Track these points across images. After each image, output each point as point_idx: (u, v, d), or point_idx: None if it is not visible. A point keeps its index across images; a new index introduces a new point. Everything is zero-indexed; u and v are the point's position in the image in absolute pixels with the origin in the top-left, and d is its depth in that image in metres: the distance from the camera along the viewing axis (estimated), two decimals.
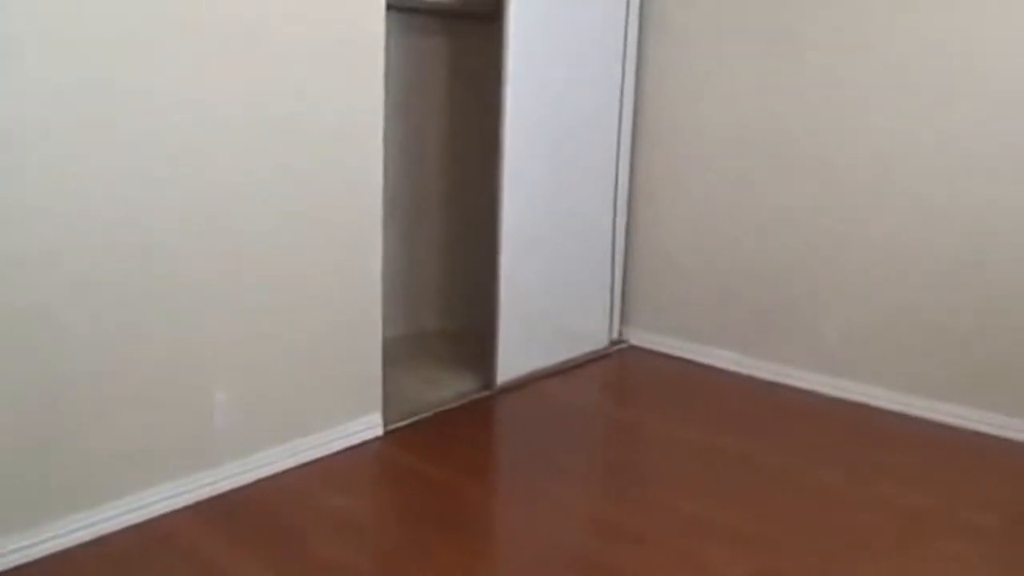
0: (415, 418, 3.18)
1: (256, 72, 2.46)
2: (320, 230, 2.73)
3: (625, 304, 4.27)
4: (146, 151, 2.24)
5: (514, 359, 3.57)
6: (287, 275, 2.65)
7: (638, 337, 4.25)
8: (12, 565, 2.10)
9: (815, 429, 3.21)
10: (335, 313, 2.82)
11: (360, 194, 2.84)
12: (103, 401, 2.24)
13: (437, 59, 4.09)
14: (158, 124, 2.25)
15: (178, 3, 2.25)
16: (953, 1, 3.15)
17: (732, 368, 3.89)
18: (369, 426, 2.99)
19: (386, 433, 3.04)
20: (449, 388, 3.48)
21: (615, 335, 4.23)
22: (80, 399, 2.19)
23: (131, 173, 2.22)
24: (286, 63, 2.54)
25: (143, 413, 2.33)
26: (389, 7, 2.99)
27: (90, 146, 2.13)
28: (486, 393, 3.48)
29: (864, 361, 3.50)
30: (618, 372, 3.90)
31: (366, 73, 2.79)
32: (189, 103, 2.32)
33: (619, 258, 4.15)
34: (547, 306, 3.72)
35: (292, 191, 2.62)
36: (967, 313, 3.23)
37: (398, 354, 3.87)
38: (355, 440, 2.94)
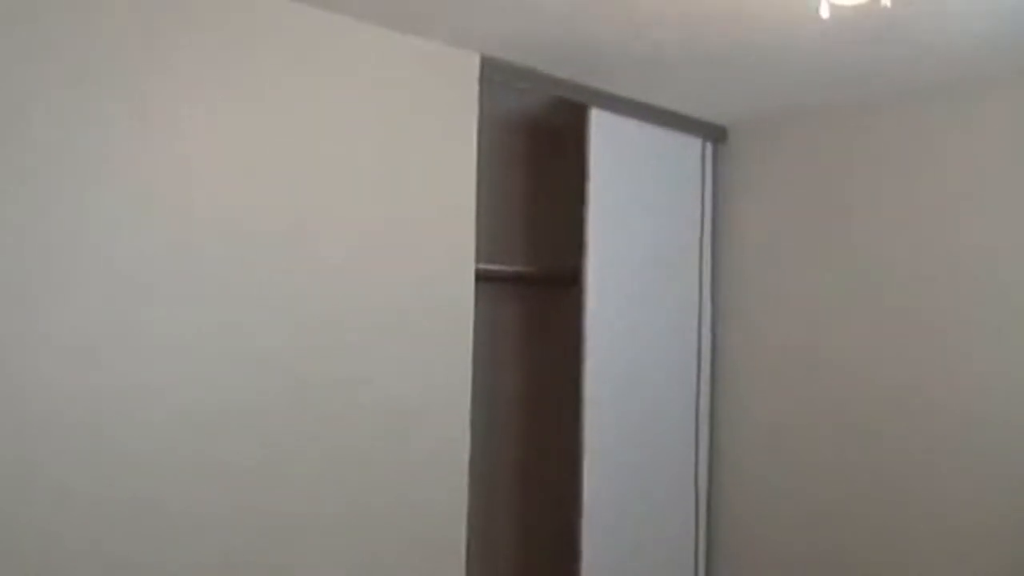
0: None
1: (346, 348, 2.56)
2: (403, 500, 2.69)
3: None
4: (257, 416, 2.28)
5: None
6: (370, 550, 2.58)
7: None
8: None
9: None
10: None
11: (445, 466, 2.81)
12: None
13: (514, 324, 4.19)
14: (246, 394, 2.31)
15: (270, 291, 2.39)
16: None
17: None
18: None
19: None
20: None
21: None
22: None
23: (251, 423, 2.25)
24: (377, 337, 2.62)
25: None
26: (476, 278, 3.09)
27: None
28: None
29: None
30: None
31: (455, 346, 2.86)
32: (287, 373, 2.40)
33: (702, 536, 3.95)
34: None
35: (382, 459, 2.62)
36: None
37: None
38: None
